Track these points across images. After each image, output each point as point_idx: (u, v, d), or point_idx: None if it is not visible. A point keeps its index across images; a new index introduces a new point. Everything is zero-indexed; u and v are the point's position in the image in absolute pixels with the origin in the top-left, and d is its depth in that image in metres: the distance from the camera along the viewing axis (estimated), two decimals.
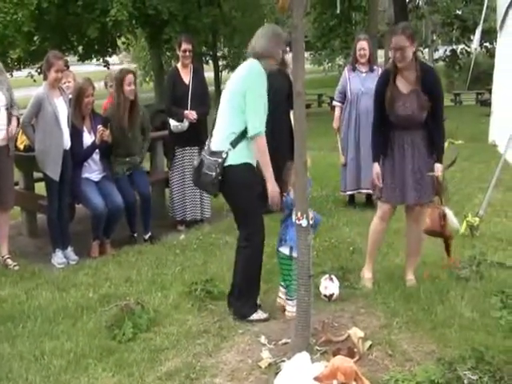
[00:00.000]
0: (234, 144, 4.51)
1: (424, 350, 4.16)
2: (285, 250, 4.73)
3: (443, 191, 5.10)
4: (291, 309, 4.64)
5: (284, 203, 4.73)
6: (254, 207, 4.64)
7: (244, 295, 4.76)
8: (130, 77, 6.86)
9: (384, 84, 5.11)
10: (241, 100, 4.51)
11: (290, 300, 4.73)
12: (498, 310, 4.69)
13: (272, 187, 4.58)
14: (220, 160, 4.50)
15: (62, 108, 6.28)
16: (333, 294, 5.01)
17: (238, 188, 4.60)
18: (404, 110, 4.98)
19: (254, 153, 4.60)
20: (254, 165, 4.67)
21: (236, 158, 4.53)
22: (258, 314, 4.73)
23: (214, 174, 4.51)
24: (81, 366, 4.17)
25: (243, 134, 4.53)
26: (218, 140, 4.61)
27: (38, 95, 6.21)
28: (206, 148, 4.70)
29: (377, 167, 5.21)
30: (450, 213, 5.13)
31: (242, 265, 4.75)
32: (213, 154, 4.57)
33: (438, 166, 5.03)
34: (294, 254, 4.43)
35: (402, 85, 5.03)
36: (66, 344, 4.49)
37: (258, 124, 4.50)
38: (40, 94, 6.20)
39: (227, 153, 4.51)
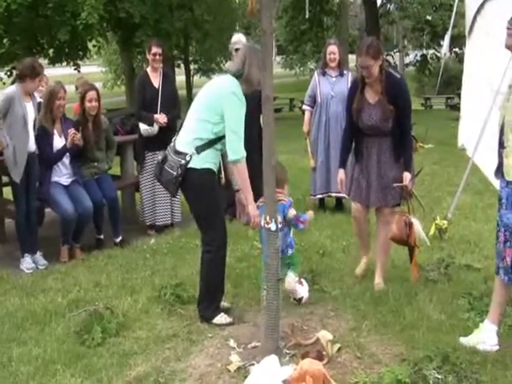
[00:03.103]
0: (198, 150, 4.54)
1: (392, 352, 4.19)
2: (291, 251, 4.99)
3: (411, 200, 5.18)
4: (290, 279, 4.86)
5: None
6: (214, 211, 4.68)
7: (207, 298, 4.77)
8: (91, 94, 6.86)
9: (354, 94, 5.25)
10: (212, 113, 4.53)
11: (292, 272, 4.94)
12: (465, 311, 4.78)
13: (252, 210, 4.59)
14: (183, 162, 4.53)
15: (30, 111, 6.22)
16: (302, 297, 5.03)
17: (198, 191, 4.63)
18: (369, 119, 5.14)
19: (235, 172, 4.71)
20: (215, 170, 4.73)
21: (199, 162, 4.56)
22: (222, 318, 4.72)
23: (175, 173, 4.54)
24: (49, 372, 4.13)
25: (209, 143, 4.57)
26: (184, 141, 4.63)
27: (9, 95, 6.09)
28: (171, 145, 4.72)
29: (341, 173, 5.38)
30: (416, 222, 5.16)
31: (205, 268, 4.78)
32: (177, 153, 4.59)
33: (407, 175, 5.11)
34: (291, 251, 4.97)
35: (369, 95, 5.18)
36: (34, 350, 4.44)
37: (239, 148, 4.50)
38: (11, 94, 6.10)
39: (191, 156, 4.54)
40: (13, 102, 6.07)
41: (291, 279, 4.87)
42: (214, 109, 4.54)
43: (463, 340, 4.23)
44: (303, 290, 5.04)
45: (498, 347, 4.17)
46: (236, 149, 4.50)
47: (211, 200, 4.65)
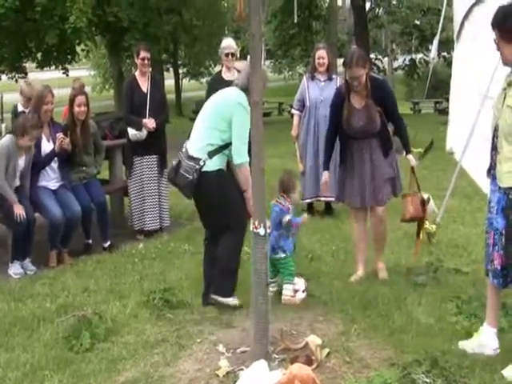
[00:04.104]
0: (210, 155, 4.89)
1: (381, 356, 4.18)
2: (281, 255, 5.24)
3: (417, 179, 5.60)
4: (287, 292, 5.16)
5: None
6: (235, 198, 4.97)
7: (227, 278, 5.00)
8: (80, 98, 6.85)
9: (338, 103, 5.53)
10: (221, 121, 4.90)
11: (287, 284, 5.20)
12: (453, 315, 4.78)
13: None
14: (197, 166, 4.86)
15: (21, 165, 6.32)
16: (299, 289, 5.18)
17: (214, 189, 4.92)
18: (358, 123, 5.40)
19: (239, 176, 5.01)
20: (225, 169, 5.09)
21: (211, 165, 4.90)
22: (235, 301, 4.98)
23: (191, 177, 4.86)
24: (37, 378, 4.10)
25: (219, 149, 4.92)
26: (196, 147, 4.94)
27: (4, 145, 6.18)
28: (183, 150, 5.00)
29: (326, 175, 5.71)
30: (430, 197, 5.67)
31: (229, 251, 5.02)
32: (190, 158, 4.90)
33: (411, 157, 5.55)
34: (282, 255, 5.23)
35: (355, 101, 5.45)
36: (22, 356, 4.41)
37: (243, 153, 4.88)
38: (6, 144, 6.17)
39: (204, 161, 4.84)
40: (9, 151, 6.12)
41: (288, 292, 5.17)
42: (222, 116, 4.91)
43: (463, 344, 4.21)
44: (301, 284, 5.26)
45: (499, 350, 4.14)
46: (241, 153, 4.88)
47: (229, 192, 4.95)
